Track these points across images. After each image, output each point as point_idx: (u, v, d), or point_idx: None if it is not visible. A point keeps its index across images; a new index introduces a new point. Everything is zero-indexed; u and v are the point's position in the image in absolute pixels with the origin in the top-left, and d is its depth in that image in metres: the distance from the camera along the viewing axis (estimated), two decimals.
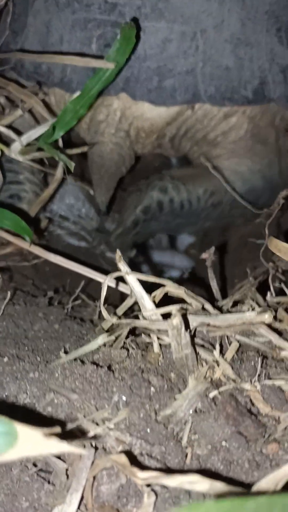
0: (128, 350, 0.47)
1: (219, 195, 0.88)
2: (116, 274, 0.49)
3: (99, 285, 0.78)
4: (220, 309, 0.51)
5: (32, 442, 0.28)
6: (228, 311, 0.50)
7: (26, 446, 0.28)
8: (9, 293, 0.58)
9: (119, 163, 0.84)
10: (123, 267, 0.48)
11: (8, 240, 0.68)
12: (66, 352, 0.48)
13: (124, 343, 0.48)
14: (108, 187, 0.85)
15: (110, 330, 0.57)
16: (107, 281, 0.48)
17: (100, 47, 0.75)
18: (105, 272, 0.72)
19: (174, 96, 0.75)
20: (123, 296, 0.76)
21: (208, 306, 0.47)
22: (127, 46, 0.63)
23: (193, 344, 0.42)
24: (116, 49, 0.63)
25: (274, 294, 0.52)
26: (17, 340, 0.53)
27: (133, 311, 0.62)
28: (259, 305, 0.50)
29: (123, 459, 0.33)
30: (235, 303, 0.56)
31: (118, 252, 0.49)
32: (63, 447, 0.28)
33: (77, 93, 0.63)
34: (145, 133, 0.82)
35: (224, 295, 0.67)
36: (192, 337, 0.43)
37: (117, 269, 0.49)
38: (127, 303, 0.54)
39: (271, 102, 0.79)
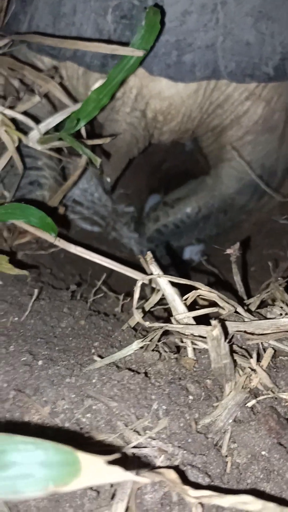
0: (160, 353, 0.48)
1: (205, 209, 0.98)
2: (149, 277, 0.48)
3: (117, 275, 0.78)
4: (249, 311, 0.51)
5: (95, 470, 0.28)
6: (258, 313, 0.50)
7: (90, 476, 0.28)
8: (36, 291, 0.57)
9: (131, 144, 0.81)
10: (155, 269, 0.48)
11: (25, 229, 0.67)
12: (99, 355, 0.48)
13: (156, 345, 0.48)
14: (116, 167, 0.83)
15: (138, 328, 0.57)
16: (139, 285, 0.47)
17: (116, 18, 0.71)
18: (126, 263, 0.72)
19: (194, 71, 0.71)
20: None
21: (240, 309, 0.48)
22: (152, 33, 0.59)
23: (231, 352, 0.42)
24: (141, 36, 0.59)
25: None
26: (46, 338, 0.54)
27: (160, 304, 0.63)
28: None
29: (173, 475, 0.34)
30: (261, 302, 0.56)
31: (149, 254, 0.49)
32: (127, 475, 0.28)
33: (100, 82, 0.59)
34: (162, 115, 0.79)
35: (245, 285, 0.67)
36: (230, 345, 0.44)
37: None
38: (154, 299, 0.54)
39: None
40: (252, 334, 0.44)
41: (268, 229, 0.99)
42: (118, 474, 0.29)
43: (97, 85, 0.60)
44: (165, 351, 0.48)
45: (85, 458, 0.28)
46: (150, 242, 1.02)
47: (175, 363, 0.46)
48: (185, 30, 0.70)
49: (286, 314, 0.49)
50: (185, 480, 0.37)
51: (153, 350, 0.48)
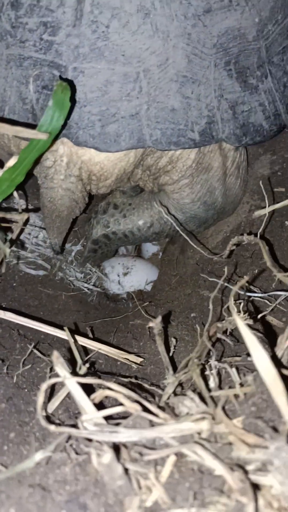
0: (68, 454, 0.47)
1: (158, 225, 0.98)
2: (54, 380, 0.48)
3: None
4: (160, 405, 0.51)
5: None
6: (168, 405, 0.50)
7: None
8: None
9: (71, 207, 0.81)
10: (61, 371, 0.48)
11: None
12: (2, 464, 0.47)
13: (65, 447, 0.48)
14: (60, 230, 0.83)
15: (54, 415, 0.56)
16: (43, 389, 0.47)
17: (38, 88, 0.70)
18: (57, 326, 0.72)
19: (119, 141, 0.71)
20: None
21: (150, 406, 0.47)
22: (61, 112, 0.59)
23: (129, 460, 0.42)
24: (50, 118, 0.59)
25: (217, 381, 0.53)
26: None
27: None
28: (202, 398, 0.50)
29: None
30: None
31: (56, 353, 0.48)
32: None
33: (13, 159, 0.59)
34: (96, 176, 0.79)
35: None
36: (125, 447, 0.44)
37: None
38: (60, 395, 0.53)
39: (219, 142, 0.76)
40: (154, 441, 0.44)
41: (210, 269, 1.00)
42: None
43: (11, 163, 0.60)
44: (76, 453, 0.47)
45: None
46: (95, 244, 1.02)
47: (80, 470, 0.45)
48: (108, 100, 0.70)
49: (197, 407, 0.49)
50: None
51: (61, 451, 0.48)
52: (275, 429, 0.43)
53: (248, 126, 0.77)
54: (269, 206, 0.76)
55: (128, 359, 0.74)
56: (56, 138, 0.64)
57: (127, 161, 0.78)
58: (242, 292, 0.75)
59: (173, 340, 0.77)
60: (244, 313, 0.69)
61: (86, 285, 1.05)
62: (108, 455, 0.39)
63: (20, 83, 0.71)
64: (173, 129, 0.72)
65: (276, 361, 0.51)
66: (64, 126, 0.64)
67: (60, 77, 0.66)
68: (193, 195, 0.89)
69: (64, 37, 0.68)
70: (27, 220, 0.89)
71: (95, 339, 0.82)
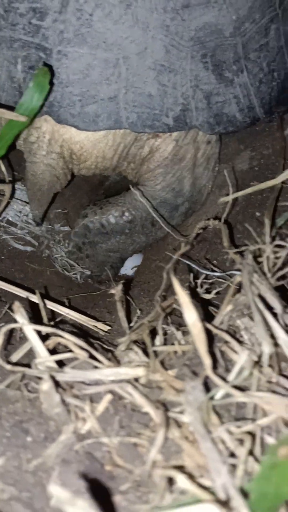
0: (21, 392, 0.53)
1: (128, 214, 1.02)
2: (13, 325, 0.54)
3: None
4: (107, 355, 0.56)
5: None
6: (115, 358, 0.56)
7: None
8: None
9: (52, 182, 0.87)
10: (20, 318, 0.53)
11: None
12: None
13: (19, 386, 0.54)
14: (41, 203, 0.89)
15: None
16: (3, 332, 0.53)
17: (25, 68, 0.76)
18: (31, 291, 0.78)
19: (97, 122, 0.77)
20: None
21: (96, 354, 0.53)
22: (41, 94, 0.65)
23: (70, 395, 0.48)
24: (30, 98, 0.65)
25: (162, 340, 0.58)
26: None
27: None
28: (146, 352, 0.56)
29: None
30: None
31: (17, 303, 0.54)
32: None
33: None
34: (76, 156, 0.84)
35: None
36: (70, 387, 0.50)
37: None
38: (24, 348, 0.59)
39: (192, 128, 0.81)
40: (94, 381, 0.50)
41: (185, 253, 1.05)
42: None
43: None
44: (28, 391, 0.53)
45: None
46: (76, 237, 1.06)
47: (29, 404, 0.51)
48: (88, 83, 0.75)
49: (139, 358, 0.55)
50: None
51: (16, 389, 0.54)
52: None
53: (221, 116, 0.83)
54: (233, 194, 0.82)
55: (96, 326, 0.80)
56: (36, 115, 0.70)
57: (105, 143, 0.84)
58: (194, 266, 0.81)
59: (138, 311, 0.83)
60: (202, 289, 0.75)
61: (71, 262, 1.10)
62: (47, 383, 0.45)
63: (10, 63, 0.77)
64: (148, 113, 0.78)
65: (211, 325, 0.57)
66: (43, 105, 0.69)
67: (44, 63, 0.72)
68: (164, 183, 0.96)
69: (51, 22, 0.74)
70: (13, 190, 0.94)
71: (71, 308, 0.88)
